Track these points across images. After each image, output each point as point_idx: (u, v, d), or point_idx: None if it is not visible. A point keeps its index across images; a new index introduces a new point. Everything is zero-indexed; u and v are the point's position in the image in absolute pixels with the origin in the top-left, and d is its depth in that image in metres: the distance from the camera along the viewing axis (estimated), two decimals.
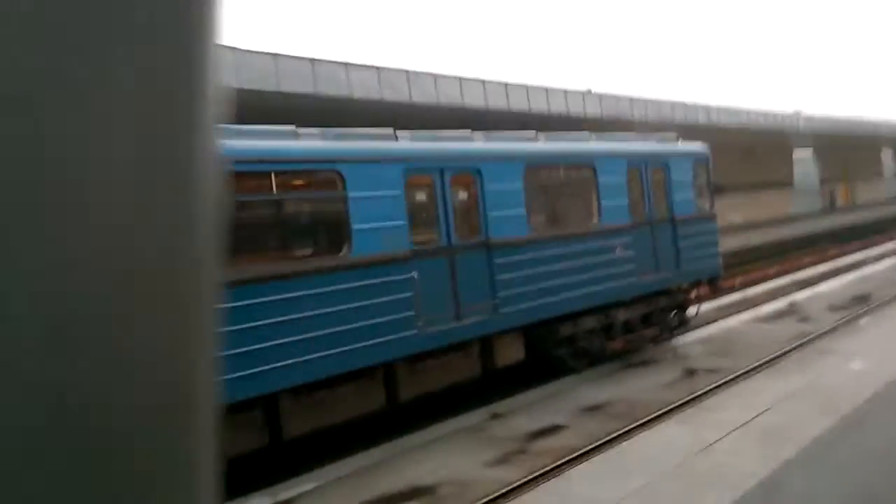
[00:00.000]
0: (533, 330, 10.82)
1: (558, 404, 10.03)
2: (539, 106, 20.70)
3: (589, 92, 24.46)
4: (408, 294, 8.79)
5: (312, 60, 15.17)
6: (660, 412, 8.78)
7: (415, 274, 8.86)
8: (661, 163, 13.19)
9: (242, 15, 76.40)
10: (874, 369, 9.20)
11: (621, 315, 12.28)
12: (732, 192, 36.13)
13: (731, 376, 10.10)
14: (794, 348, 11.77)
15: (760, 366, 10.78)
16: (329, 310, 8.06)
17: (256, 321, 7.42)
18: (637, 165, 12.64)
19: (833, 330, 12.88)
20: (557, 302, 10.74)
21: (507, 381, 10.61)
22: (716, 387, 9.63)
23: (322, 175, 8.56)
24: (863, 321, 13.31)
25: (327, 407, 8.42)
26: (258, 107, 14.32)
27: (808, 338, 12.42)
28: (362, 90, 15.77)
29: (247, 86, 13.83)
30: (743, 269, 23.77)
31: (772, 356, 11.29)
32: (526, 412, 9.73)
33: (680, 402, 9.05)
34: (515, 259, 10.18)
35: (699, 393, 9.43)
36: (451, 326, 9.34)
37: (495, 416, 9.59)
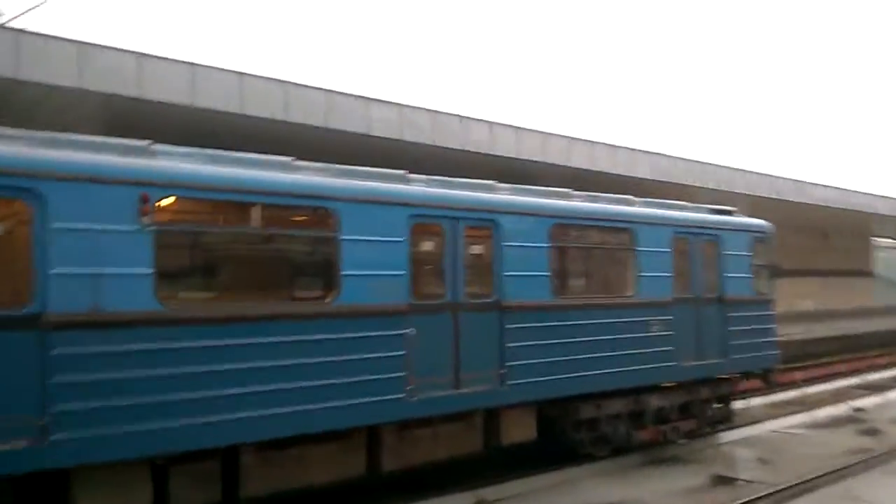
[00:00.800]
0: (549, 407, 9.98)
1: (558, 499, 9.22)
2: (580, 160, 20.01)
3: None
4: (399, 353, 8.23)
5: (327, 91, 14.96)
6: None
7: (411, 331, 8.26)
8: (714, 235, 12.41)
9: (254, 41, 78.60)
10: None
11: (654, 402, 11.43)
12: (805, 277, 34.42)
13: None
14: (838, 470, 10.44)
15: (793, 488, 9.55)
16: (306, 360, 7.61)
17: (221, 364, 7.00)
18: (684, 235, 11.90)
19: (880, 461, 11.31)
20: (578, 379, 10.00)
21: (514, 455, 9.83)
22: None
23: (314, 212, 8.21)
24: None
25: (296, 468, 7.84)
26: (263, 137, 14.24)
27: (854, 462, 11.08)
28: (382, 128, 15.49)
29: (253, 113, 13.71)
30: (805, 362, 22.40)
31: (811, 476, 10.03)
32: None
33: None
34: (531, 325, 9.53)
35: None
36: (447, 394, 8.71)
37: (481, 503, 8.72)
